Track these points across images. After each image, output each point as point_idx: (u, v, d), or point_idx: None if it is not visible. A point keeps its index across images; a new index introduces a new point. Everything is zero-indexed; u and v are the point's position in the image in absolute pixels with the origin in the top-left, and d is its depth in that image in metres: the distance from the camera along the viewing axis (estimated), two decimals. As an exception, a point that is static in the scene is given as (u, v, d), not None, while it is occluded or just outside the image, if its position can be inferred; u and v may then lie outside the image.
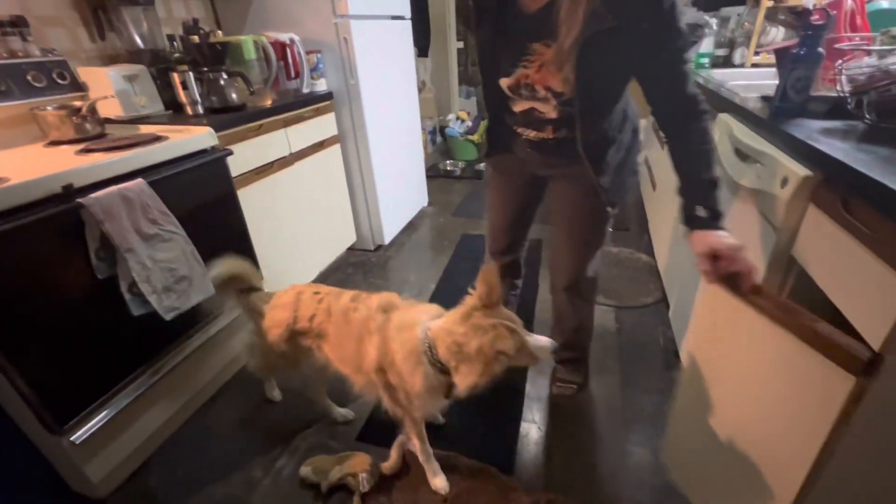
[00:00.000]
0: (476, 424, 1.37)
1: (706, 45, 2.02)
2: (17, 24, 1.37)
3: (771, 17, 1.88)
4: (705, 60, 2.00)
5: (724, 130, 1.19)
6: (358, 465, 1.18)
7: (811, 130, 0.88)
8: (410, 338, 0.96)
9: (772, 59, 1.82)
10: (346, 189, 2.26)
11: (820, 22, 0.92)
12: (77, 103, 1.37)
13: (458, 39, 4.17)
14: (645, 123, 3.38)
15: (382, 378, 1.02)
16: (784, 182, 0.84)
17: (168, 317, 1.21)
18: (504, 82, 1.01)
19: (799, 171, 0.80)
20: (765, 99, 1.18)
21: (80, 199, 1.02)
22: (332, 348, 1.11)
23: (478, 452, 1.26)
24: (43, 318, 1.02)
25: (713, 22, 2.08)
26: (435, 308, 1.03)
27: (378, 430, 1.36)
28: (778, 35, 1.87)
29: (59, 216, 1.00)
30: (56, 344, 1.05)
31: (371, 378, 1.05)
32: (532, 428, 1.36)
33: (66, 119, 1.34)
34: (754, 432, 0.83)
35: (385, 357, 1.00)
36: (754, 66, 1.90)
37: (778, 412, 0.77)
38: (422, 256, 2.42)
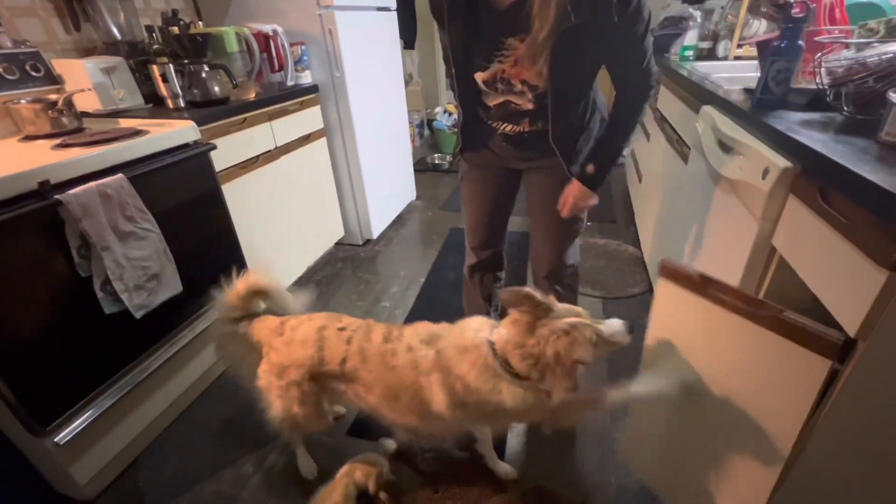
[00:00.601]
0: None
1: (690, 37, 2.04)
2: (-13, 15, 1.32)
3: (753, 9, 1.89)
4: (689, 53, 2.02)
5: (708, 122, 1.21)
6: (362, 476, 1.13)
7: (791, 122, 0.89)
8: (478, 357, 0.88)
9: (754, 51, 1.84)
10: (333, 183, 2.24)
11: (800, 15, 0.93)
12: (52, 97, 1.33)
13: (445, 31, 4.13)
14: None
15: (467, 412, 0.92)
16: (765, 173, 0.85)
17: (138, 315, 1.19)
18: (480, 77, 1.02)
19: (779, 162, 0.82)
20: (747, 91, 1.20)
21: (57, 196, 0.99)
22: (379, 399, 0.96)
23: (468, 444, 1.27)
24: (24, 317, 1.00)
25: (697, 14, 2.10)
26: (478, 320, 0.97)
27: (369, 424, 1.36)
28: (760, 28, 1.89)
29: (37, 213, 0.98)
30: (38, 343, 1.03)
31: (451, 420, 0.93)
32: (517, 426, 1.37)
33: (42, 113, 1.30)
34: (725, 423, 0.84)
35: (454, 391, 0.89)
36: (737, 58, 1.93)
37: (751, 403, 0.79)
38: (410, 250, 2.42)
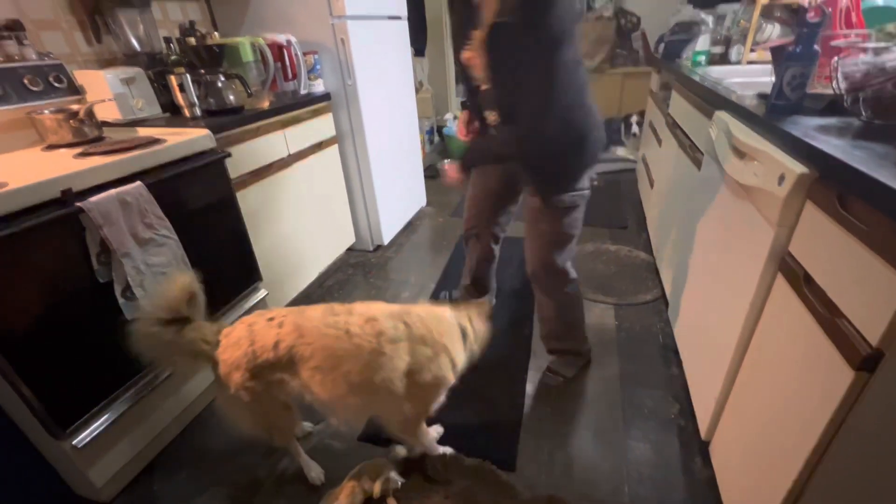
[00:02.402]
0: (477, 423, 1.38)
1: (702, 42, 2.03)
2: (13, 28, 1.36)
3: (767, 14, 1.88)
4: (701, 58, 2.00)
5: (721, 128, 1.20)
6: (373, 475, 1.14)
7: (807, 128, 0.88)
8: (452, 324, 1.09)
9: (768, 56, 1.83)
10: (344, 190, 2.26)
11: (815, 19, 0.92)
12: (74, 107, 1.37)
13: (455, 39, 4.16)
14: (635, 124, 3.38)
15: (409, 382, 1.01)
16: (781, 179, 0.84)
17: None
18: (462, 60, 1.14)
19: (795, 168, 0.81)
20: (761, 96, 1.19)
21: (79, 204, 1.02)
22: (316, 371, 0.97)
23: (479, 451, 1.27)
24: (45, 322, 1.02)
25: (709, 20, 2.09)
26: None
27: (379, 431, 1.36)
28: (774, 32, 1.88)
29: (60, 220, 1.00)
30: (58, 348, 1.05)
31: (392, 393, 1.00)
32: (533, 425, 1.36)
33: (64, 122, 1.33)
34: (764, 410, 0.85)
35: (419, 358, 1.01)
36: (750, 63, 1.91)
37: (783, 394, 0.79)
38: (421, 256, 2.43)
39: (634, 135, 3.52)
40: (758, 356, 0.95)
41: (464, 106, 1.41)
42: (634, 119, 3.49)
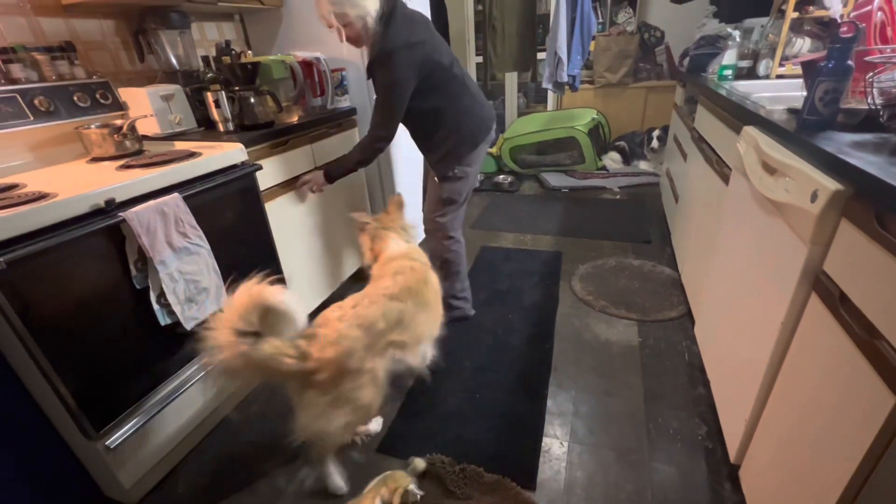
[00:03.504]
0: (498, 439, 1.36)
1: (729, 56, 2.01)
2: (66, 50, 1.46)
3: (796, 28, 1.86)
4: (728, 72, 1.98)
5: (750, 143, 1.18)
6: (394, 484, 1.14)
7: (841, 143, 0.86)
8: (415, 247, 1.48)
9: (798, 70, 1.79)
10: (367, 201, 2.30)
11: (849, 35, 0.91)
12: (118, 122, 1.45)
13: (477, 54, 4.23)
14: (657, 137, 3.34)
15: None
16: (814, 196, 0.82)
17: (189, 326, 1.25)
18: None
19: (829, 185, 0.79)
20: (792, 111, 1.17)
21: (121, 214, 1.07)
22: (414, 305, 1.25)
23: (499, 467, 1.25)
24: (85, 325, 1.07)
25: (736, 34, 2.07)
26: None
27: (399, 441, 1.36)
28: (804, 46, 1.85)
29: (103, 229, 1.06)
30: (96, 351, 1.10)
31: (437, 302, 1.39)
32: (554, 443, 1.34)
33: (108, 137, 1.41)
34: (798, 435, 0.83)
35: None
36: (779, 77, 1.88)
37: (819, 419, 0.76)
38: (441, 268, 2.44)
39: (653, 149, 3.49)
40: (791, 378, 0.91)
41: None
42: (656, 133, 3.46)
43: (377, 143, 1.56)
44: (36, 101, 1.35)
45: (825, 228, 0.81)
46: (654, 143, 3.47)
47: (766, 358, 0.97)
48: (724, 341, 1.33)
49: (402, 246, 1.43)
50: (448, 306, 1.82)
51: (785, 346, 0.93)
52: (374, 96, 2.04)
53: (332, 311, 1.14)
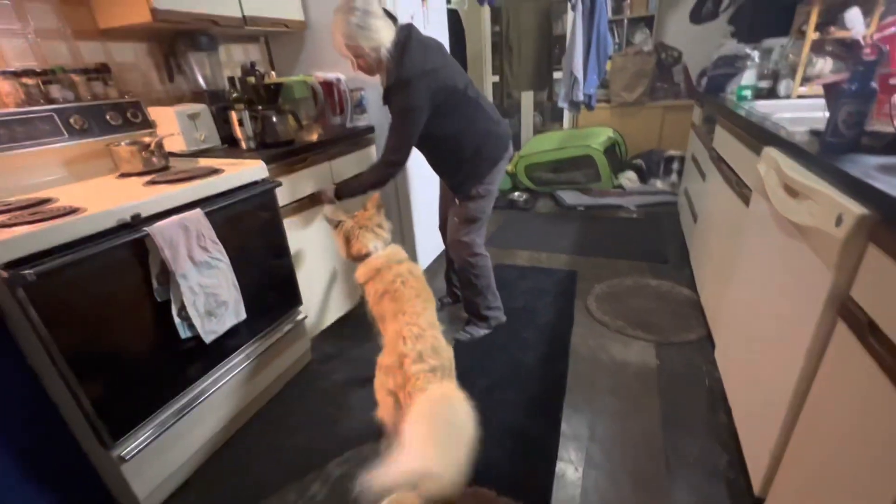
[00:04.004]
0: (511, 462, 1.33)
1: (748, 77, 2.00)
2: (101, 72, 1.54)
3: (817, 48, 1.84)
4: (747, 92, 1.97)
5: (771, 164, 1.16)
6: None
7: (867, 167, 0.85)
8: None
9: (819, 90, 1.77)
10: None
11: (872, 57, 0.90)
12: (146, 139, 1.51)
13: (494, 74, 4.29)
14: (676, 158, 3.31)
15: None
16: (839, 220, 0.80)
17: (208, 340, 1.28)
18: None
19: (855, 209, 0.77)
20: (814, 133, 1.15)
21: (146, 228, 1.11)
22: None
23: (512, 491, 1.22)
24: (108, 336, 1.10)
25: (755, 54, 2.06)
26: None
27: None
28: (825, 66, 1.83)
29: (127, 243, 1.09)
30: (117, 361, 1.12)
31: None
32: (569, 468, 1.31)
33: (137, 154, 1.47)
34: (826, 467, 0.79)
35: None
36: (800, 97, 1.86)
37: (848, 451, 0.73)
38: (455, 285, 2.43)
39: (672, 182, 3.48)
40: (818, 408, 0.88)
41: None
42: (675, 167, 3.46)
43: (389, 167, 1.59)
44: (71, 120, 1.41)
45: (851, 253, 0.79)
46: (674, 177, 3.48)
47: (790, 386, 0.94)
48: (746, 367, 1.29)
49: (383, 249, 1.49)
50: (484, 318, 1.92)
51: (811, 374, 0.90)
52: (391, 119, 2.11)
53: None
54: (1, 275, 0.90)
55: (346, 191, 1.71)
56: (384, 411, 1.15)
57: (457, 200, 1.75)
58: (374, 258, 1.45)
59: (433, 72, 1.48)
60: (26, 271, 0.90)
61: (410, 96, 1.45)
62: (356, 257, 1.50)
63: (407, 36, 1.47)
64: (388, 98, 1.52)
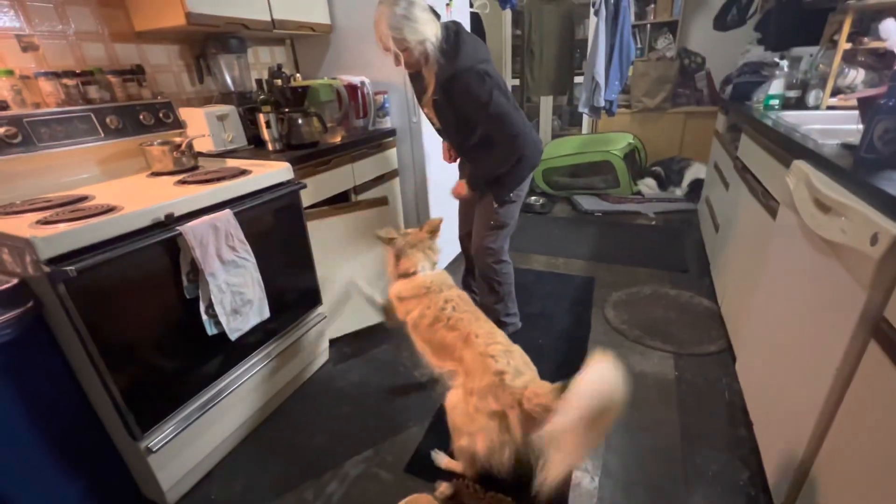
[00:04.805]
0: (527, 470, 1.33)
1: (776, 86, 1.97)
2: (136, 73, 1.58)
3: (849, 58, 1.80)
4: (775, 102, 1.94)
5: (801, 178, 1.14)
6: None
7: (904, 185, 0.83)
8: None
9: (849, 101, 1.74)
10: (402, 219, 2.35)
11: (911, 73, 0.88)
12: (177, 139, 1.55)
13: (514, 77, 4.29)
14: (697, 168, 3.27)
15: None
16: (874, 239, 0.79)
17: (233, 337, 1.31)
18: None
19: (892, 228, 0.76)
20: (846, 147, 1.13)
21: (179, 228, 1.14)
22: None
23: (529, 500, 1.22)
24: (139, 331, 1.13)
25: (784, 63, 2.03)
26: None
27: (427, 462, 1.36)
28: (857, 77, 1.79)
29: (161, 242, 1.13)
30: (147, 356, 1.16)
31: None
32: (584, 477, 1.30)
33: (168, 153, 1.51)
34: (857, 489, 0.76)
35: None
36: (830, 108, 1.82)
37: (881, 474, 0.71)
38: (471, 288, 2.44)
39: (687, 193, 3.47)
40: (847, 428, 0.86)
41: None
42: (689, 183, 3.47)
43: (514, 140, 1.49)
44: (107, 120, 1.46)
45: (886, 274, 0.77)
46: (686, 189, 3.50)
47: (818, 405, 0.93)
48: (770, 382, 1.27)
49: (430, 270, 1.47)
50: (502, 324, 1.86)
51: (840, 393, 0.88)
52: (413, 119, 2.13)
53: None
54: (43, 270, 0.94)
55: (477, 179, 1.69)
56: (481, 439, 1.11)
57: (493, 204, 1.69)
58: (421, 276, 1.43)
59: (487, 62, 1.46)
60: (68, 267, 0.93)
61: (481, 76, 1.40)
62: (403, 274, 1.46)
63: (458, 30, 1.44)
64: (449, 92, 1.45)
